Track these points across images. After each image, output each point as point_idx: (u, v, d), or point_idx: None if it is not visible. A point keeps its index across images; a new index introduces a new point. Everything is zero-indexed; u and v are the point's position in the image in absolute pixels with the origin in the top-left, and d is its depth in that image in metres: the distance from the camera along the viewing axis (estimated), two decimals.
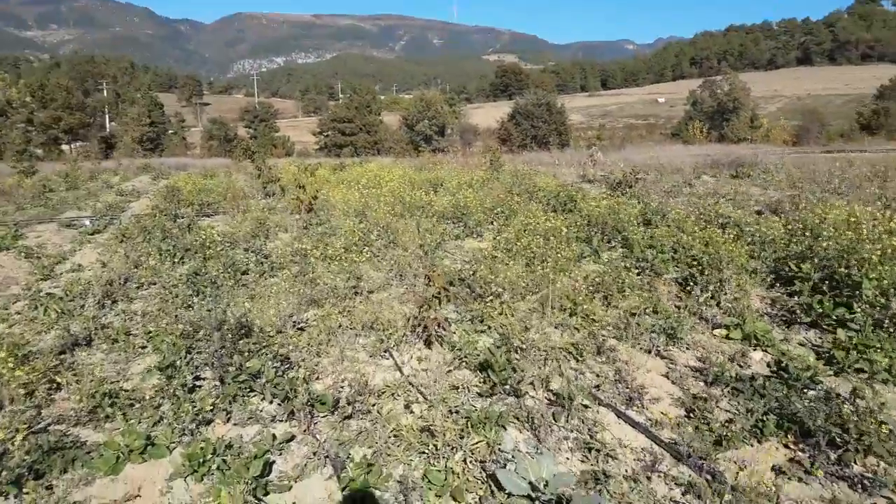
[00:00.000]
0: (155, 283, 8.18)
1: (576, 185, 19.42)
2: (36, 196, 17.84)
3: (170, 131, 78.13)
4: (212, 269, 8.31)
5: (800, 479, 3.85)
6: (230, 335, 5.31)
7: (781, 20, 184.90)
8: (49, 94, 74.19)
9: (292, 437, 4.28)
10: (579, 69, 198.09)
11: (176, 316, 6.60)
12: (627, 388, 4.88)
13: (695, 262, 8.09)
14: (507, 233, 11.00)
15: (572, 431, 4.31)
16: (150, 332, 6.07)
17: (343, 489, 3.68)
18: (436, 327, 5.35)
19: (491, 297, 6.86)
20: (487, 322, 6.32)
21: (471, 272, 8.33)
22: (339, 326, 6.08)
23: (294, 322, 6.28)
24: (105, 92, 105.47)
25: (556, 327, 6.26)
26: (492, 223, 12.76)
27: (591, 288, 7.39)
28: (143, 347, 5.94)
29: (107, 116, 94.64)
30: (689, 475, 3.82)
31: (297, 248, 9.83)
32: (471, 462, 3.86)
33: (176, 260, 9.30)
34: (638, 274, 7.79)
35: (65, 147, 70.08)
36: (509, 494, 3.50)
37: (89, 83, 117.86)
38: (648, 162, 24.01)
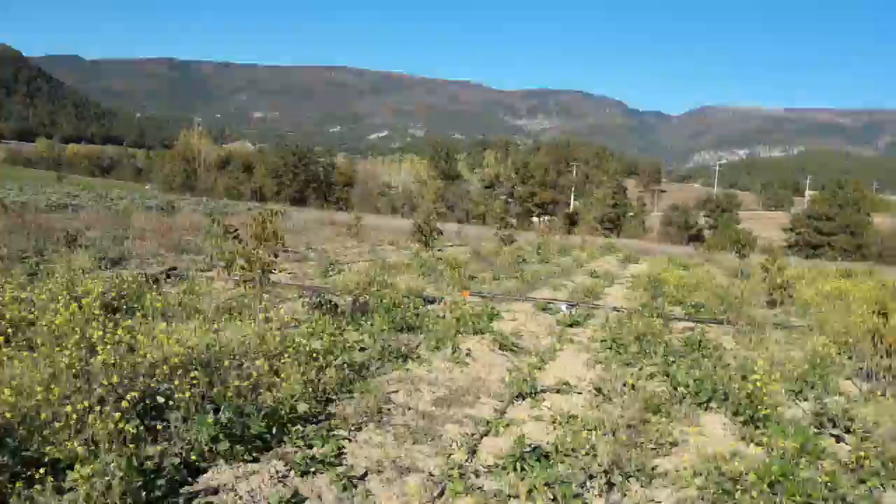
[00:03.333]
0: (675, 449, 4.90)
1: None
2: (510, 265, 17.20)
3: (629, 214, 79.74)
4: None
5: None
6: None
7: None
8: (529, 172, 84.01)
9: None
10: None
11: None
12: None
13: None
14: None
15: None
16: None
17: None
18: None
19: None
20: None
21: None
22: None
23: None
24: (575, 173, 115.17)
25: None
26: None
27: None
28: None
29: (572, 195, 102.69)
30: None
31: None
32: None
33: (703, 407, 5.90)
34: None
35: (534, 219, 77.29)
36: None
37: (562, 165, 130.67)
38: None
